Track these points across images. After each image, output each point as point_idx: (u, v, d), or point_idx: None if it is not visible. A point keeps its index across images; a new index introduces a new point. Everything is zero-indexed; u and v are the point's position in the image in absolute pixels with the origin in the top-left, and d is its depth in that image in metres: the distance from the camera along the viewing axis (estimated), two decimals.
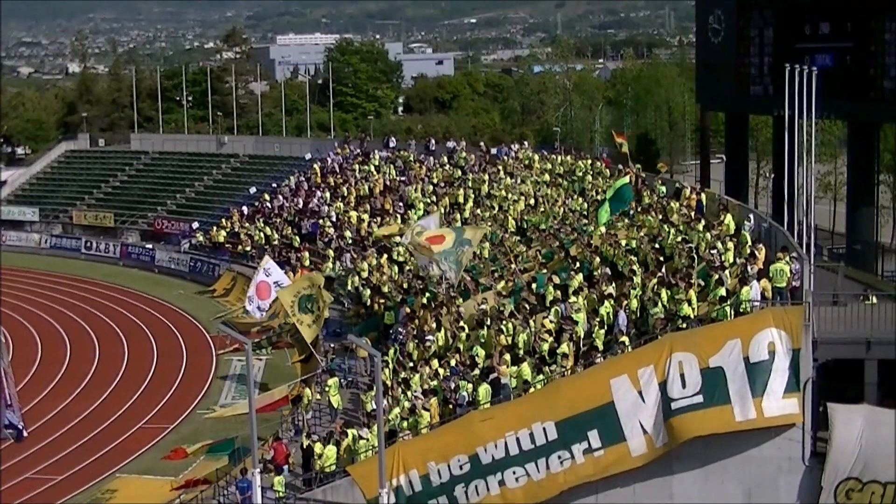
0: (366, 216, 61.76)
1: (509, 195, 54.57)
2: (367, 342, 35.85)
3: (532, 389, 29.56)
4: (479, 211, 54.08)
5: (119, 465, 38.91)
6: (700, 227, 36.51)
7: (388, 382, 33.89)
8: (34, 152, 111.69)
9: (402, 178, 66.74)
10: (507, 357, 32.00)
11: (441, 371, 34.05)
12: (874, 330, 28.22)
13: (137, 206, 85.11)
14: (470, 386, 31.29)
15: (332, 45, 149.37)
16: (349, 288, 49.87)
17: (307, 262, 57.58)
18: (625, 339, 30.15)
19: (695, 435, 26.74)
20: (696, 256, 34.06)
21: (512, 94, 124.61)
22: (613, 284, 34.47)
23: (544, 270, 39.28)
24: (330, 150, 77.91)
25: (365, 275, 51.39)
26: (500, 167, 61.59)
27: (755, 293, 28.66)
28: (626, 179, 39.82)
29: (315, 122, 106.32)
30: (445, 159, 67.39)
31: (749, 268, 30.17)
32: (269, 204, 71.80)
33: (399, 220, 56.59)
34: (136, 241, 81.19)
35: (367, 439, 30.08)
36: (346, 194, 66.97)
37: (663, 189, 46.18)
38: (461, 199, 57.90)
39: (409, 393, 32.51)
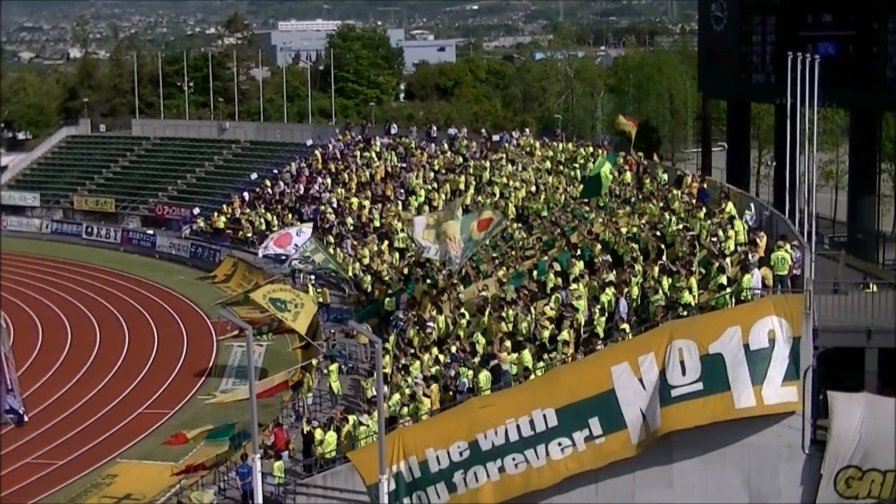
0: (367, 203, 61.73)
1: (510, 182, 54.49)
2: (368, 328, 35.84)
3: (532, 376, 29.57)
4: (480, 198, 54.03)
5: (119, 450, 39.02)
6: (701, 214, 36.49)
7: (389, 369, 33.91)
8: (35, 137, 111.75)
9: (404, 165, 66.69)
10: (508, 344, 32.02)
11: (441, 358, 34.08)
12: (875, 318, 28.18)
13: (138, 191, 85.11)
14: (470, 373, 31.31)
15: (333, 32, 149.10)
16: (350, 274, 49.93)
17: None
18: (625, 326, 30.15)
19: (695, 424, 26.72)
20: (697, 244, 34.05)
21: (513, 81, 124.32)
22: (614, 272, 34.46)
23: (545, 257, 39.29)
24: (331, 136, 77.85)
25: (366, 261, 51.41)
26: (502, 154, 61.49)
27: (756, 281, 28.65)
28: (606, 168, 40.47)
29: (316, 108, 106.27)
30: (447, 146, 67.32)
31: (750, 256, 30.16)
32: (270, 190, 71.77)
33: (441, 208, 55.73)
34: (136, 226, 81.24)
35: (368, 425, 30.11)
36: (347, 181, 66.93)
37: (665, 177, 46.17)
38: (462, 186, 57.85)
39: (409, 379, 32.54)
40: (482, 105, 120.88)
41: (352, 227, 58.89)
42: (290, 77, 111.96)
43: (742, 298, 28.43)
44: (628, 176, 47.14)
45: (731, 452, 27.26)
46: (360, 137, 75.14)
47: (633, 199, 43.08)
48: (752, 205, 36.72)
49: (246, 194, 73.21)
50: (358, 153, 71.47)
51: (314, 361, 40.73)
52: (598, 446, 27.10)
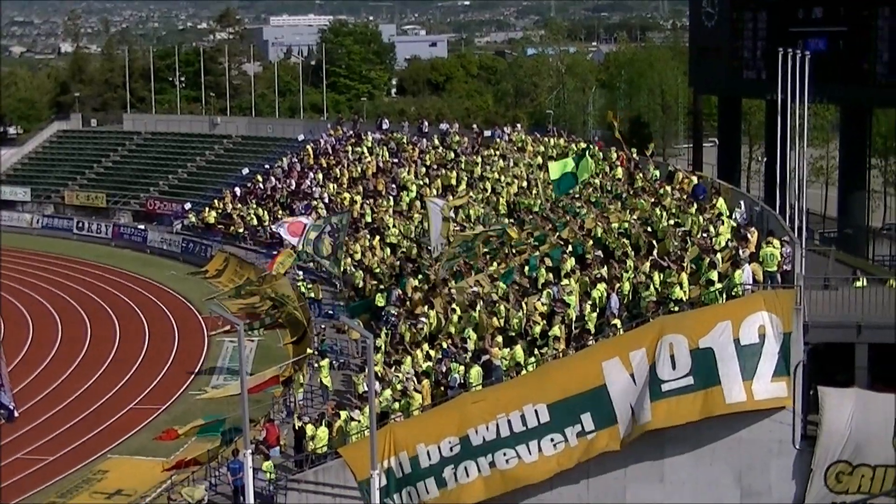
0: (358, 198, 61.69)
1: (502, 177, 54.50)
2: (359, 324, 35.89)
3: (524, 372, 29.58)
4: (471, 193, 54.03)
5: (111, 445, 38.98)
6: (692, 210, 36.53)
7: (380, 365, 33.89)
8: (26, 132, 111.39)
9: (395, 160, 66.70)
10: (499, 339, 32.02)
11: (433, 353, 34.08)
12: (865, 314, 28.21)
13: (130, 186, 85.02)
14: (462, 368, 31.28)
15: (325, 27, 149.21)
16: (340, 269, 49.88)
17: None
18: (617, 321, 30.15)
19: (686, 420, 26.75)
20: (688, 240, 34.08)
21: (505, 76, 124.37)
22: (605, 267, 34.49)
23: (536, 253, 39.29)
24: (323, 131, 77.83)
25: (357, 256, 51.37)
26: (493, 149, 61.52)
27: (747, 276, 28.69)
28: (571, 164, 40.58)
29: (308, 103, 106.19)
30: (438, 141, 67.33)
31: (741, 251, 30.20)
32: (261, 185, 71.74)
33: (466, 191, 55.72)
34: (128, 221, 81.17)
35: (359, 421, 30.11)
36: (338, 176, 66.92)
37: (657, 173, 46.19)
38: (454, 182, 57.85)
39: (400, 375, 32.53)
40: (474, 100, 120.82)
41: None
42: (282, 72, 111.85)
43: (733, 294, 28.46)
44: (619, 171, 47.17)
45: (721, 448, 27.29)
46: (351, 132, 75.14)
47: (624, 195, 43.09)
48: (742, 202, 36.75)
49: (237, 189, 73.18)
50: (349, 148, 71.46)
51: (308, 350, 40.84)
52: (589, 441, 27.12)
